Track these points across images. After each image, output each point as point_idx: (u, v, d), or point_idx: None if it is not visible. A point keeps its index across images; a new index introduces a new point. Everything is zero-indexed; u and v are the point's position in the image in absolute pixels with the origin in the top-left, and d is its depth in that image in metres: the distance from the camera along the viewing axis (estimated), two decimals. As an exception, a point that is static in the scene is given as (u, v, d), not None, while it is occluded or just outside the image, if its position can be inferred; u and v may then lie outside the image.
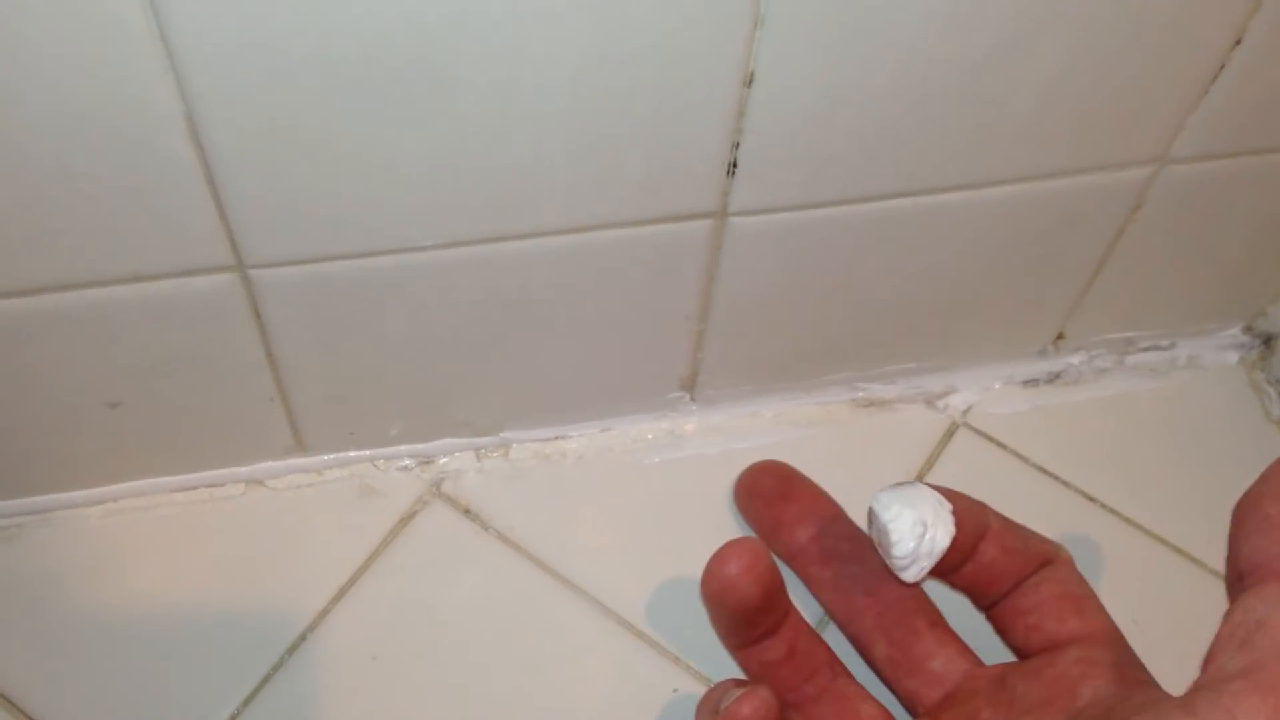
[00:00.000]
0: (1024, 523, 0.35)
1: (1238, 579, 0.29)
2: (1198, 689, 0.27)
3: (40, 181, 0.29)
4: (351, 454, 0.42)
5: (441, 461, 0.43)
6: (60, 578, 0.40)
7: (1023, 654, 0.35)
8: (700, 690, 0.39)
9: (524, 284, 0.36)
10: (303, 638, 0.39)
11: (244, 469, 0.42)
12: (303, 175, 0.30)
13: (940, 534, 0.33)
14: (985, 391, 0.45)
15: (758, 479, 0.41)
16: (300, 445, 0.41)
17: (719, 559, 0.34)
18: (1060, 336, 0.44)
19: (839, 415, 0.44)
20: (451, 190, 0.32)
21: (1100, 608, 0.34)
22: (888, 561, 0.33)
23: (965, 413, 0.44)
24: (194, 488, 0.42)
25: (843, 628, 0.37)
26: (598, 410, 0.43)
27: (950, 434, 0.44)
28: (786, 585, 0.35)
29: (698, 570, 0.40)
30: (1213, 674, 0.27)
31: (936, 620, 0.36)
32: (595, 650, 0.40)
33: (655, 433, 0.44)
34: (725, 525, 0.42)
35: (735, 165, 0.33)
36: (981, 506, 0.35)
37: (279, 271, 0.34)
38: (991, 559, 0.34)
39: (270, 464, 0.42)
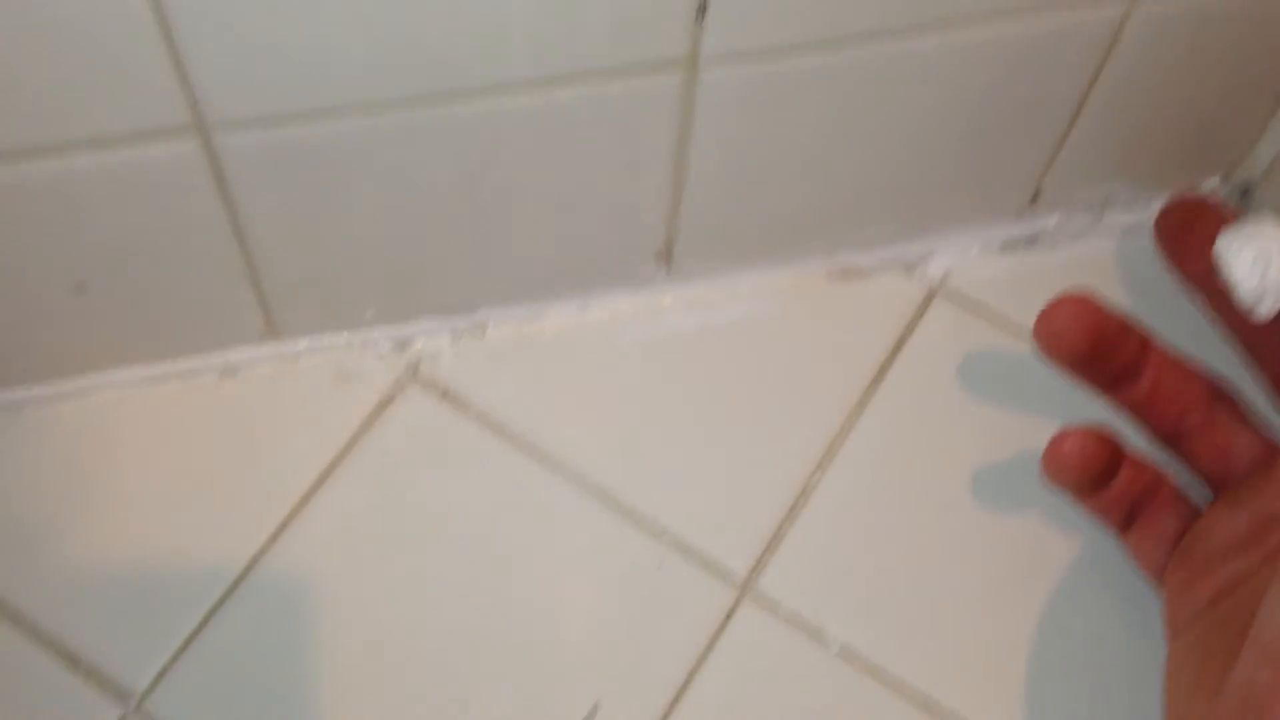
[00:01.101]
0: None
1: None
2: None
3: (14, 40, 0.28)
4: (326, 339, 0.42)
5: (418, 344, 0.42)
6: (30, 472, 0.39)
7: None
8: (687, 565, 0.39)
9: (492, 152, 0.35)
10: (283, 526, 0.39)
11: (216, 357, 0.41)
12: (259, 19, 0.29)
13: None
14: (962, 257, 0.44)
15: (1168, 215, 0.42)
16: (272, 330, 0.41)
17: (1047, 312, 0.35)
18: (1036, 196, 0.43)
19: (816, 286, 0.44)
20: (411, 36, 0.31)
21: None
22: (1239, 303, 0.34)
23: (943, 279, 0.44)
24: (166, 379, 0.41)
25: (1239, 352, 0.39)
26: (574, 288, 0.43)
27: (928, 301, 0.44)
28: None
29: (678, 445, 0.40)
30: None
31: None
32: (580, 529, 0.39)
33: (633, 309, 0.43)
34: (703, 400, 0.42)
35: (705, 8, 0.32)
36: None
37: (243, 137, 0.33)
38: None
39: (242, 351, 0.41)
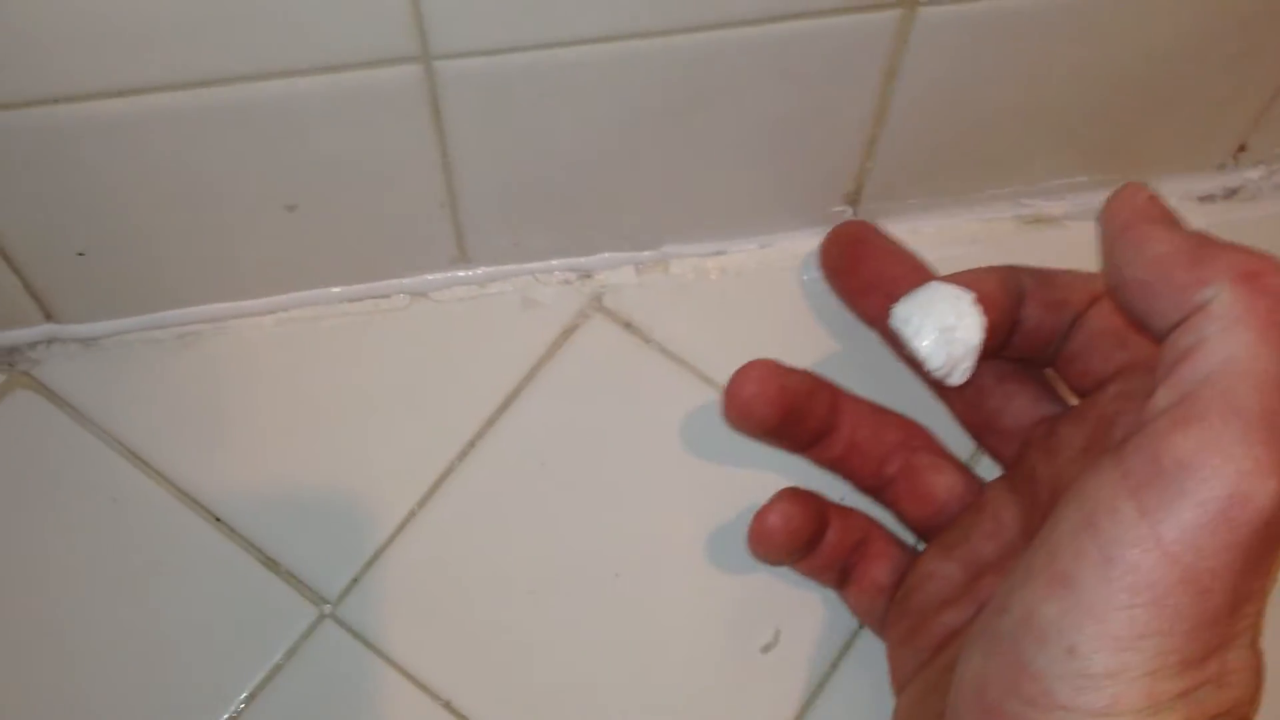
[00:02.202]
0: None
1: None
2: (1132, 434, 0.25)
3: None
4: (512, 267, 0.42)
5: (601, 275, 0.43)
6: (235, 383, 0.41)
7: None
8: (860, 501, 0.39)
9: (700, 85, 0.36)
10: (471, 445, 0.40)
11: (408, 280, 0.42)
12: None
13: (969, 329, 0.31)
14: (1157, 207, 0.43)
15: (826, 252, 0.41)
16: (464, 256, 0.42)
17: (732, 383, 0.34)
18: (1242, 149, 0.42)
19: (1003, 232, 0.44)
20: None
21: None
22: (928, 375, 0.32)
23: (1135, 229, 0.43)
24: (360, 299, 0.42)
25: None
26: (757, 225, 0.43)
27: (1119, 251, 0.43)
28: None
29: (860, 381, 0.40)
30: (1144, 416, 0.25)
31: (1005, 374, 0.35)
32: (759, 463, 0.40)
33: (813, 249, 0.43)
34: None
35: (933, -54, 0.31)
36: (1010, 272, 0.33)
37: (462, 63, 0.33)
38: (1036, 321, 0.33)
39: (433, 276, 0.42)
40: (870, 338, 0.41)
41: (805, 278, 0.43)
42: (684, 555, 0.39)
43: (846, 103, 0.37)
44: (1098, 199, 0.42)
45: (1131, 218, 0.27)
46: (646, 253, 0.43)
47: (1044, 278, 0.33)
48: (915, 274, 0.38)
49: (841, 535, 0.35)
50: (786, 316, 0.42)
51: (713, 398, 0.41)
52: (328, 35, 0.31)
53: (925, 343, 0.31)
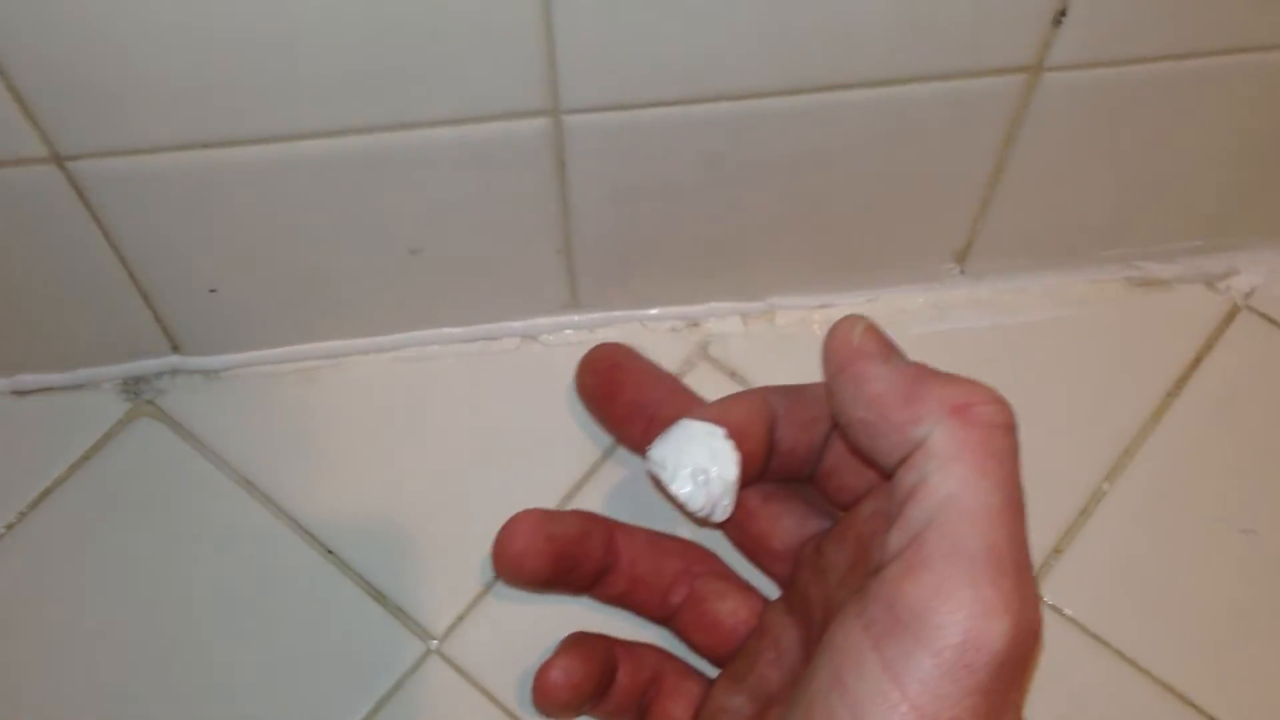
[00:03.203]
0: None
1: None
2: (874, 575, 0.25)
3: (393, 14, 0.30)
4: (621, 313, 0.43)
5: (708, 324, 0.44)
6: (350, 419, 0.42)
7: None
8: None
9: (819, 142, 0.36)
10: (579, 485, 0.41)
11: (519, 323, 0.43)
12: (636, 13, 0.31)
13: (724, 467, 0.31)
14: (1271, 274, 0.43)
15: (581, 378, 0.39)
16: (575, 302, 0.42)
17: (499, 539, 0.33)
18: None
19: (1112, 294, 0.44)
20: (776, 35, 0.32)
21: None
22: (690, 516, 0.32)
23: (1248, 295, 0.43)
24: (472, 340, 0.43)
25: None
26: (865, 280, 0.43)
27: (1231, 317, 0.43)
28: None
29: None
30: (879, 559, 0.25)
31: (770, 495, 0.34)
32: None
33: (920, 305, 0.44)
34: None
35: (1064, 14, 0.32)
36: (759, 398, 0.32)
37: (590, 118, 0.34)
38: (791, 442, 0.32)
39: (544, 320, 0.43)
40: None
41: (913, 332, 0.43)
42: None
43: (963, 164, 0.38)
44: (1210, 263, 0.42)
45: (848, 356, 0.27)
46: (753, 303, 0.43)
47: (794, 396, 0.33)
48: (673, 397, 0.37)
49: (633, 676, 0.34)
50: (891, 371, 0.43)
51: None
52: (467, 90, 0.33)
53: (683, 487, 0.31)
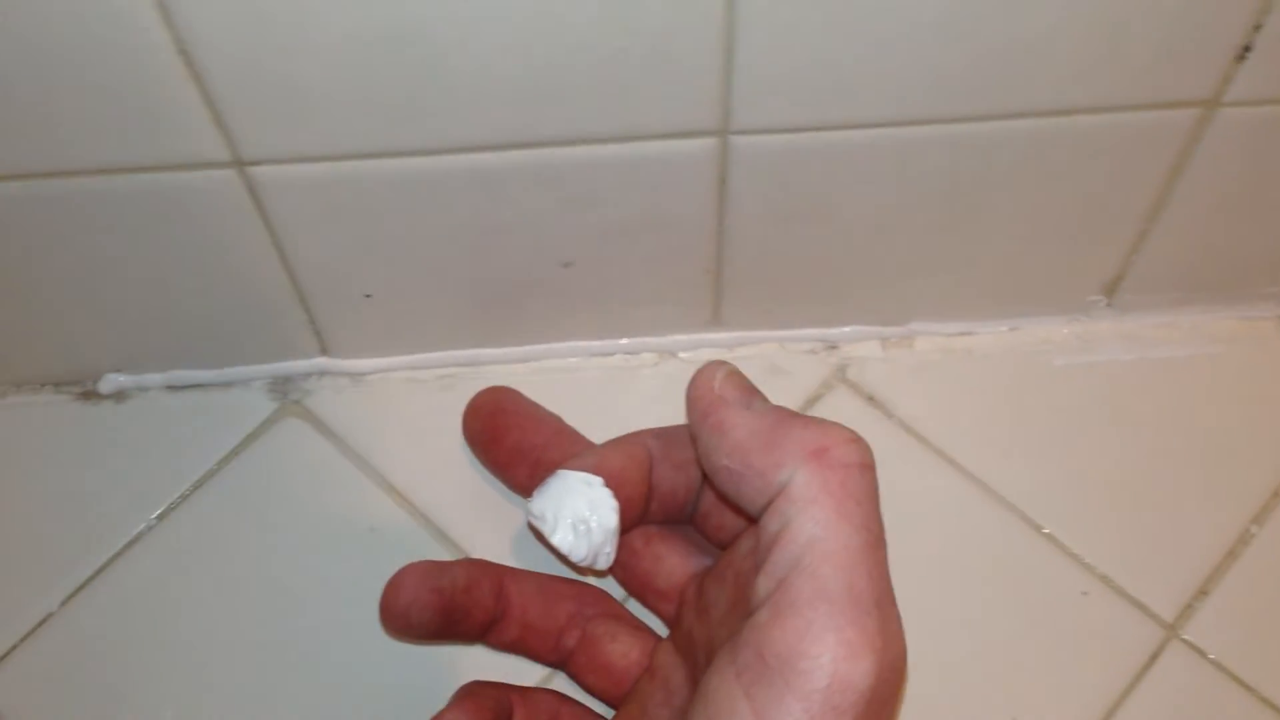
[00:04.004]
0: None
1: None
2: (743, 620, 0.25)
3: (577, 32, 0.31)
4: (761, 333, 0.43)
5: (847, 348, 0.43)
6: (489, 427, 0.42)
7: None
8: (1112, 597, 0.39)
9: (981, 171, 0.36)
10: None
11: (659, 339, 0.43)
12: (817, 38, 0.31)
13: (604, 515, 0.31)
14: None
15: (466, 422, 0.39)
16: (717, 320, 0.43)
17: (386, 593, 0.32)
18: None
19: (1263, 332, 0.43)
20: (953, 62, 0.32)
21: None
22: (574, 566, 0.32)
23: (1405, 339, 0.42)
24: (611, 354, 0.44)
25: None
26: (1007, 309, 0.43)
27: (1386, 359, 0.42)
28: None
29: (1106, 473, 0.40)
30: (751, 603, 0.25)
31: (652, 535, 0.34)
32: (999, 547, 0.40)
33: (1064, 335, 0.43)
34: (1134, 434, 0.41)
35: (1248, 49, 0.32)
36: (635, 444, 0.32)
37: (757, 139, 0.34)
38: (669, 484, 0.33)
39: (683, 337, 0.43)
40: (1122, 428, 0.41)
41: (1057, 364, 0.43)
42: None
43: (1125, 196, 0.37)
44: (1368, 305, 0.41)
45: (710, 403, 0.28)
46: (893, 328, 0.43)
47: (669, 439, 0.33)
48: (557, 440, 0.37)
49: (528, 717, 0.33)
50: (1030, 401, 0.42)
51: (952, 477, 0.41)
52: (639, 107, 0.33)
53: (564, 539, 0.31)
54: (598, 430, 0.42)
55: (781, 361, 0.43)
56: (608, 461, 0.32)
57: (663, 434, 0.33)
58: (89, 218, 0.35)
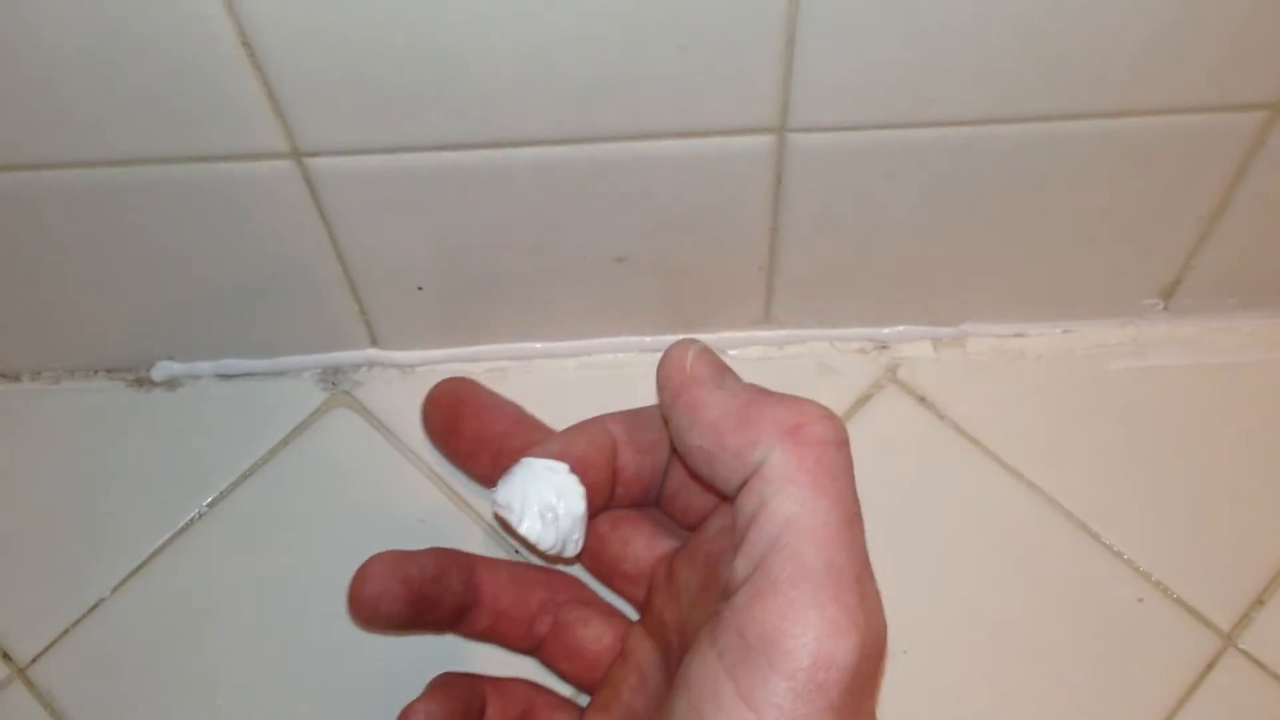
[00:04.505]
0: None
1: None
2: (721, 602, 0.25)
3: (638, 26, 0.30)
4: (811, 332, 0.43)
5: (898, 348, 0.43)
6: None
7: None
8: (1164, 600, 0.38)
9: (1041, 172, 0.36)
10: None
11: (709, 337, 0.43)
12: (878, 37, 0.31)
13: (570, 503, 0.30)
14: None
15: (426, 412, 0.39)
16: (767, 318, 0.42)
17: (353, 585, 0.32)
18: None
19: (1324, 338, 0.42)
20: (1014, 61, 0.31)
21: None
22: (542, 554, 0.32)
23: None
24: (659, 350, 0.43)
25: None
26: (1062, 311, 0.42)
27: None
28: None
29: (1162, 480, 0.40)
30: (727, 582, 0.25)
31: (619, 519, 0.34)
32: (1051, 551, 0.39)
33: (1119, 339, 0.43)
34: (1191, 440, 0.41)
35: (1320, 52, 0.31)
36: (599, 427, 0.32)
37: (815, 137, 0.34)
38: (634, 468, 0.32)
39: (734, 334, 0.43)
40: (1178, 435, 0.40)
41: (1112, 368, 0.42)
42: (963, 639, 0.38)
43: (1186, 199, 0.37)
44: None
45: (682, 383, 0.27)
46: (945, 329, 0.43)
47: (633, 421, 0.32)
48: (518, 429, 0.37)
49: (503, 712, 0.33)
50: (1084, 404, 0.42)
51: (1003, 479, 0.40)
52: (698, 103, 0.33)
53: (532, 527, 0.30)
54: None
55: (832, 360, 0.43)
56: (572, 447, 0.31)
57: (626, 417, 0.33)
58: (145, 206, 0.36)
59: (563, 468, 0.31)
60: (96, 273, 0.39)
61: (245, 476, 0.42)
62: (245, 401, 0.43)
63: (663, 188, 0.36)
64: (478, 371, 0.43)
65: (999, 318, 0.43)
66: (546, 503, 0.30)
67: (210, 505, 0.41)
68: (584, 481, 0.31)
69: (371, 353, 0.43)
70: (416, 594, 0.32)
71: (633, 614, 0.35)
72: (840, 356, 0.43)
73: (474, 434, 0.37)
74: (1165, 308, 0.42)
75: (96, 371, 0.44)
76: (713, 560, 0.30)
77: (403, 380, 0.43)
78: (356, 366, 0.43)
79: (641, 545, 0.34)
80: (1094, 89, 0.32)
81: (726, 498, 0.26)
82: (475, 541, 0.40)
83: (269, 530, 0.41)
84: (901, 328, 0.43)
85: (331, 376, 0.43)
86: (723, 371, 0.28)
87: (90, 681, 0.38)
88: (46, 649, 0.39)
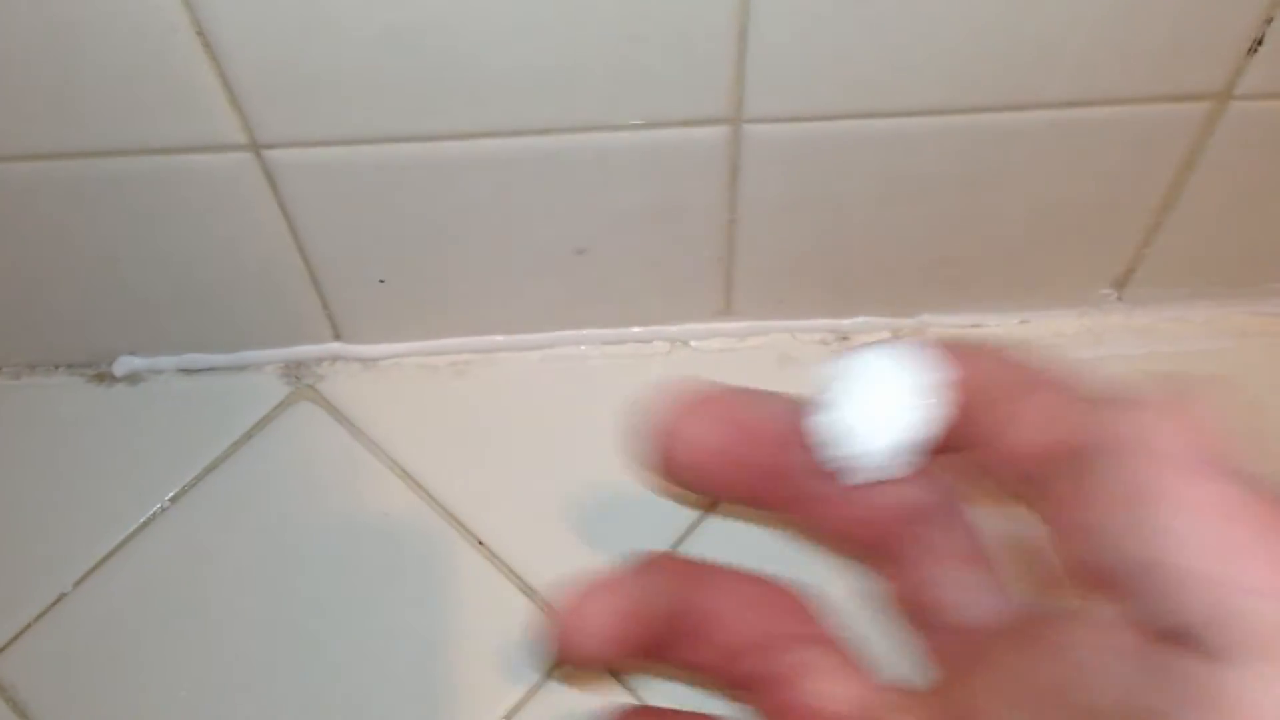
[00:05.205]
0: None
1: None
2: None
3: (591, 18, 0.31)
4: (772, 323, 0.43)
5: (857, 339, 0.44)
6: (500, 413, 0.43)
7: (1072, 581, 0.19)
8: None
9: (993, 163, 0.36)
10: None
11: (671, 328, 0.43)
12: (831, 28, 0.31)
13: (908, 416, 0.20)
14: None
15: (677, 434, 0.21)
16: (728, 309, 0.43)
17: (564, 618, 0.21)
18: None
19: (1274, 327, 0.43)
20: (966, 54, 0.32)
21: None
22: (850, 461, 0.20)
23: None
24: (624, 342, 0.44)
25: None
26: (1019, 301, 0.43)
27: (1397, 356, 0.42)
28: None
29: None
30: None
31: (962, 552, 0.22)
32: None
33: (1075, 329, 0.43)
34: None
35: (1260, 43, 0.32)
36: (1021, 359, 0.20)
37: (770, 128, 0.35)
38: (1028, 436, 0.19)
39: (695, 326, 0.43)
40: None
41: (1067, 358, 0.43)
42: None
43: (1136, 189, 0.37)
44: (1379, 301, 0.41)
45: (1186, 464, 0.16)
46: (904, 319, 0.43)
47: (1069, 380, 0.20)
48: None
49: None
50: (1042, 394, 0.42)
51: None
52: (653, 95, 0.33)
53: (837, 415, 0.20)
54: (610, 421, 0.42)
55: (793, 351, 0.44)
56: (971, 358, 0.20)
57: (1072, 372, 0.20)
58: (104, 199, 0.36)
59: (932, 373, 0.20)
60: (56, 267, 0.39)
61: (208, 471, 0.42)
62: (207, 396, 0.43)
63: (620, 180, 0.36)
64: (440, 364, 0.43)
65: (957, 308, 0.43)
66: (876, 393, 0.19)
67: (173, 500, 0.41)
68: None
69: (334, 346, 0.43)
70: (643, 627, 0.21)
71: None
72: (801, 347, 0.44)
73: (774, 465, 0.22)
74: (1120, 298, 0.42)
75: (58, 367, 0.44)
76: (1062, 672, 0.19)
77: (366, 374, 0.44)
78: (319, 360, 0.43)
79: (978, 599, 0.22)
80: (1044, 80, 0.33)
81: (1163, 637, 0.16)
82: (439, 536, 0.40)
83: (232, 525, 0.41)
84: (861, 319, 0.43)
85: (294, 370, 0.43)
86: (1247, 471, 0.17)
87: (52, 676, 0.38)
88: (8, 644, 0.39)
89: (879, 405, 0.20)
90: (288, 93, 0.32)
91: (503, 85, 0.32)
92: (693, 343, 0.44)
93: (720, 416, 0.22)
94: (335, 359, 0.44)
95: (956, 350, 0.20)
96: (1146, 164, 0.36)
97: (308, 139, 0.34)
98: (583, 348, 0.44)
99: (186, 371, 0.44)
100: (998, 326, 0.43)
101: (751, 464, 0.21)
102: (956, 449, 0.21)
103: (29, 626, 0.39)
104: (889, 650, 0.23)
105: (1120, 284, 0.42)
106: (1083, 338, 0.43)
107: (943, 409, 0.20)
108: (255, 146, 0.34)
